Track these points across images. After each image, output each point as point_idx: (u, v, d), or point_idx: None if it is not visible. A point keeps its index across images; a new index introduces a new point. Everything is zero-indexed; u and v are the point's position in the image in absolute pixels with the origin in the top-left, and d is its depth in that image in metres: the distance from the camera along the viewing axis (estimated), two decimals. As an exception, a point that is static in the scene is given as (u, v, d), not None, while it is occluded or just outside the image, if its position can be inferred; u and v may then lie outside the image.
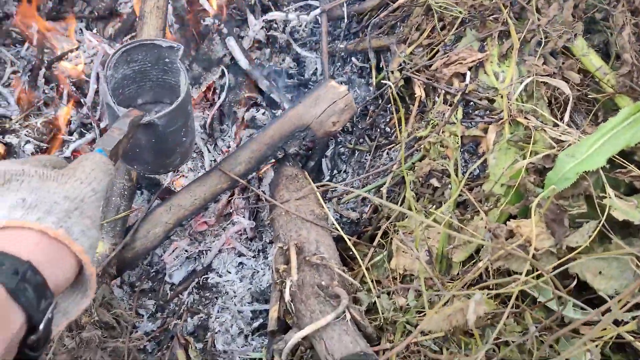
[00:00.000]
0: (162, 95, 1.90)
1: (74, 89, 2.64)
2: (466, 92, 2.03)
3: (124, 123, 1.37)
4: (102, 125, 2.58)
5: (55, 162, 1.03)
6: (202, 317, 2.21)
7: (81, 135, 2.59)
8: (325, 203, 2.10)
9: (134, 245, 2.07)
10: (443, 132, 1.97)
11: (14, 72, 2.71)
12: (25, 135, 2.52)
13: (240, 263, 2.33)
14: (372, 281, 1.88)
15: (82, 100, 2.62)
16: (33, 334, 0.75)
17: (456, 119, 2.00)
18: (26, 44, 2.81)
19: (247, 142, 2.15)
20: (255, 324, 2.17)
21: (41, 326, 0.76)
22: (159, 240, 2.10)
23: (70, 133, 2.59)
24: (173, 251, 2.31)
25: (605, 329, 1.40)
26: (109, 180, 1.05)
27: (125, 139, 1.34)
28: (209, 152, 2.51)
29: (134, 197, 2.20)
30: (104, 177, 1.01)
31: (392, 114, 2.42)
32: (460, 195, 1.85)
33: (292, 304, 1.76)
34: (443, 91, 2.14)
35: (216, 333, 2.16)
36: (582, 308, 1.48)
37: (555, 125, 1.88)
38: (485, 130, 1.98)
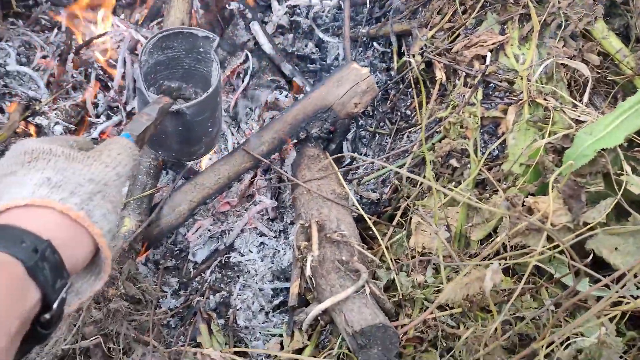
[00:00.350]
0: (193, 83, 1.93)
1: (102, 73, 2.70)
2: (486, 73, 2.05)
3: (153, 109, 1.39)
4: (128, 108, 2.64)
5: (82, 144, 1.04)
6: (224, 294, 2.25)
7: (108, 117, 2.66)
8: (346, 184, 2.14)
9: (159, 223, 2.12)
10: (463, 112, 2.00)
11: (44, 57, 2.78)
12: (55, 117, 2.59)
13: (262, 243, 2.38)
14: (391, 260, 1.91)
15: (109, 84, 2.68)
16: (47, 312, 0.75)
17: (476, 99, 2.03)
18: (55, 30, 2.88)
19: (271, 122, 2.20)
20: (276, 302, 2.22)
21: (55, 305, 0.76)
22: (183, 218, 2.15)
23: (98, 116, 2.66)
24: (197, 230, 2.36)
25: (619, 303, 1.43)
26: (134, 165, 1.05)
27: (153, 125, 1.36)
28: (233, 134, 2.56)
29: (160, 176, 2.26)
30: (129, 162, 1.02)
31: (413, 98, 2.45)
32: (479, 174, 1.88)
33: (312, 279, 1.80)
34: (464, 73, 2.16)
35: (238, 310, 2.21)
36: (598, 281, 1.50)
37: (575, 106, 1.90)
38: (505, 112, 2.01)
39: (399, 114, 2.51)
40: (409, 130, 2.39)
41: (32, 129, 2.54)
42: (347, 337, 1.64)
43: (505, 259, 1.57)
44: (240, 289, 2.26)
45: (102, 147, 1.01)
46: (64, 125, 2.55)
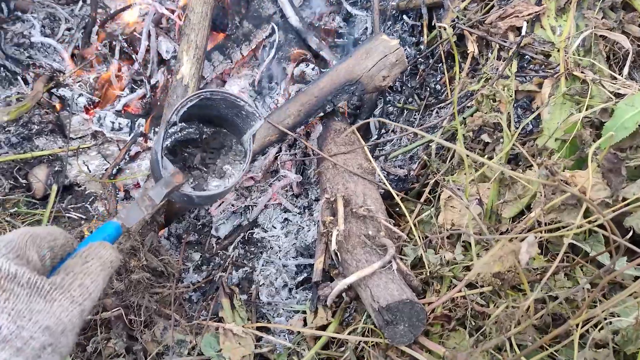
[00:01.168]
0: (226, 127, 1.75)
1: (126, 45, 2.67)
2: (521, 45, 1.97)
3: (158, 194, 1.25)
4: (152, 81, 2.61)
5: (62, 244, 0.95)
6: (246, 270, 2.22)
7: (132, 90, 2.63)
8: (373, 160, 2.08)
9: (182, 195, 2.09)
10: (496, 85, 1.92)
11: (68, 29, 2.76)
12: (78, 89, 2.56)
13: (286, 219, 2.34)
14: (419, 237, 1.86)
15: (133, 57, 2.65)
16: None
17: (510, 72, 1.96)
18: (80, 3, 2.85)
19: (297, 95, 2.14)
20: (300, 278, 2.18)
21: None
22: (206, 192, 2.11)
23: (122, 88, 2.63)
24: (220, 205, 2.32)
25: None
26: (109, 278, 0.97)
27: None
28: (257, 108, 2.51)
29: (183, 148, 2.22)
30: (101, 285, 0.93)
31: (443, 73, 2.38)
32: (512, 149, 1.81)
33: (338, 254, 1.76)
34: (497, 46, 2.09)
35: (260, 285, 2.18)
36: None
37: (614, 79, 1.82)
38: (540, 85, 1.93)
39: (429, 89, 2.44)
40: (439, 105, 2.33)
41: (57, 103, 2.52)
42: (373, 313, 1.59)
43: (540, 234, 1.51)
44: (263, 265, 2.23)
45: (79, 267, 0.92)
46: (88, 98, 2.53)
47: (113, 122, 2.45)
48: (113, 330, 1.92)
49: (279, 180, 2.35)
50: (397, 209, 2.06)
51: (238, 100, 1.56)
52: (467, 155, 1.94)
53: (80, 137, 2.49)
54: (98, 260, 0.94)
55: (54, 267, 0.93)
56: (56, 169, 2.38)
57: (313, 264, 2.08)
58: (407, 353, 1.61)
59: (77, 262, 0.93)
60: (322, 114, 2.15)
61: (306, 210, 2.35)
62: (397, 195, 1.93)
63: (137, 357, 1.92)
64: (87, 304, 0.89)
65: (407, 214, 1.90)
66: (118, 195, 2.35)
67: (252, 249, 2.29)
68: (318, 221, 1.99)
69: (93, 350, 1.88)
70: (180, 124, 1.69)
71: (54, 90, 2.52)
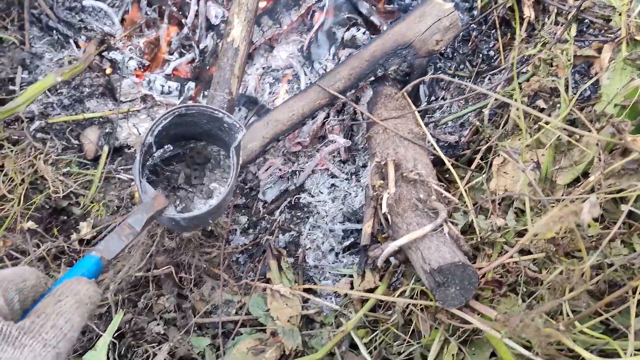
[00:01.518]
0: (213, 142, 1.69)
1: (175, 10, 2.67)
2: (581, 8, 1.92)
3: (138, 221, 1.20)
4: (201, 46, 2.61)
5: (33, 285, 0.91)
6: (293, 234, 2.23)
7: (181, 55, 2.64)
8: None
9: (231, 158, 2.09)
10: (554, 49, 1.88)
11: (118, -6, 2.78)
12: (129, 52, 2.59)
13: (333, 185, 2.33)
14: (470, 203, 1.84)
15: (183, 21, 2.65)
16: None
17: (569, 36, 1.91)
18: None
19: (347, 58, 2.12)
20: (346, 243, 2.18)
21: None
22: (255, 155, 2.11)
23: (171, 53, 2.64)
24: (267, 169, 2.33)
25: None
26: (88, 315, 0.92)
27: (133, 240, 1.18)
28: (305, 74, 2.50)
29: (233, 111, 2.22)
30: (80, 321, 0.89)
31: (497, 39, 2.33)
32: (569, 114, 1.77)
33: (388, 216, 1.75)
34: (555, 10, 2.03)
35: (307, 249, 2.18)
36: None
37: (679, 43, 1.76)
38: (599, 50, 1.88)
39: (481, 56, 2.39)
40: (491, 72, 2.28)
41: (108, 67, 2.55)
42: (424, 275, 1.58)
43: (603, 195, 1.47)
44: (310, 229, 2.23)
45: (51, 307, 0.88)
46: (138, 61, 2.55)
47: (162, 86, 2.47)
48: (164, 287, 1.95)
49: (327, 146, 2.35)
50: (447, 176, 2.04)
51: (216, 112, 1.50)
52: (526, 116, 1.90)
53: (130, 100, 2.52)
54: (73, 297, 0.90)
55: (27, 310, 0.89)
56: (107, 130, 2.41)
57: (360, 229, 2.08)
58: (457, 316, 1.60)
59: (49, 302, 0.89)
60: (372, 78, 2.13)
61: (353, 177, 2.34)
62: (448, 161, 1.90)
63: (186, 315, 1.95)
64: (62, 346, 0.84)
65: (457, 180, 1.87)
66: (167, 158, 2.37)
67: (299, 214, 2.29)
68: (367, 185, 1.98)
69: (144, 306, 1.92)
70: (166, 146, 1.65)
71: (104, 53, 2.55)
